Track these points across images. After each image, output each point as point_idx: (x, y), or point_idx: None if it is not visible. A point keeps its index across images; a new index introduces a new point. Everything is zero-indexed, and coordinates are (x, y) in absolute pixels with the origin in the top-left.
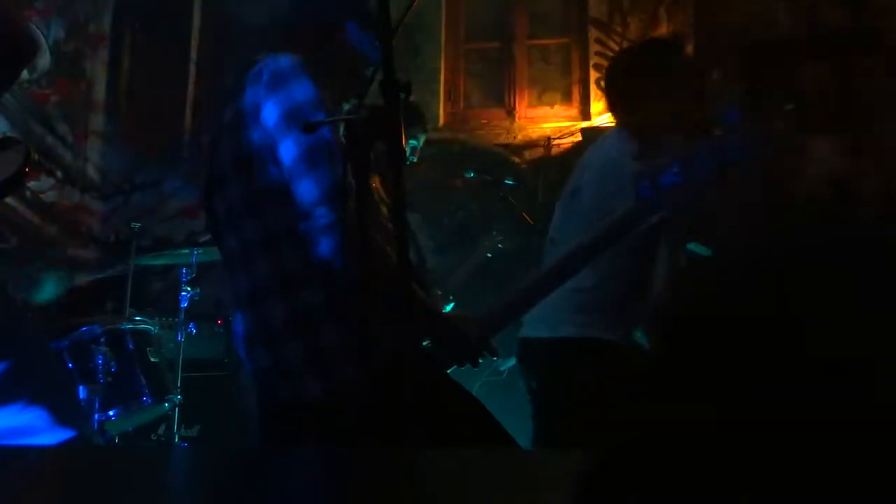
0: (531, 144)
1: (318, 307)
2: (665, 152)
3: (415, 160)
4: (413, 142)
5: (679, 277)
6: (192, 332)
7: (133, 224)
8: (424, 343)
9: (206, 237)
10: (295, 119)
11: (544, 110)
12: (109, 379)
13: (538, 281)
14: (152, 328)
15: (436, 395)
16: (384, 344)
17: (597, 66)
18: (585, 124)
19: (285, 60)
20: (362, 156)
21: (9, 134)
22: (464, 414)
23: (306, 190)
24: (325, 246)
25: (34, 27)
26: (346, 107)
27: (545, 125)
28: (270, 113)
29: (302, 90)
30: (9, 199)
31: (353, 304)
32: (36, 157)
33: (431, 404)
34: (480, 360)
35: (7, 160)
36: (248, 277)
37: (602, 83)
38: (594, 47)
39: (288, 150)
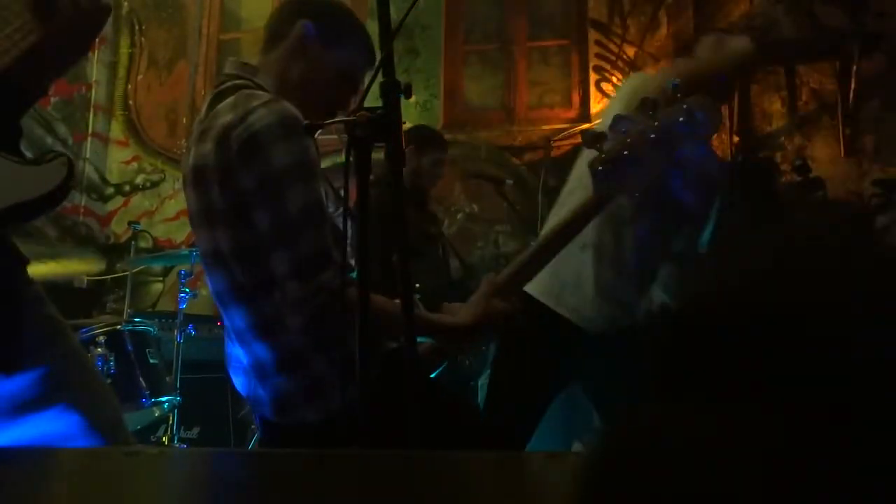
0: (531, 146)
1: (301, 347)
2: (613, 137)
3: (440, 175)
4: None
5: (688, 274)
6: (191, 333)
7: (133, 225)
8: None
9: None
10: (271, 190)
11: (544, 112)
12: (108, 380)
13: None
14: (152, 329)
15: (429, 401)
16: (373, 364)
17: (596, 68)
18: (585, 126)
19: (259, 123)
20: (362, 157)
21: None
22: (456, 418)
23: (278, 263)
24: (293, 322)
25: None
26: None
27: (545, 127)
28: (244, 180)
29: (280, 157)
30: None
31: (343, 334)
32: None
33: (425, 409)
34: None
35: (48, 174)
36: (228, 318)
37: (601, 85)
38: (594, 49)
39: (263, 221)
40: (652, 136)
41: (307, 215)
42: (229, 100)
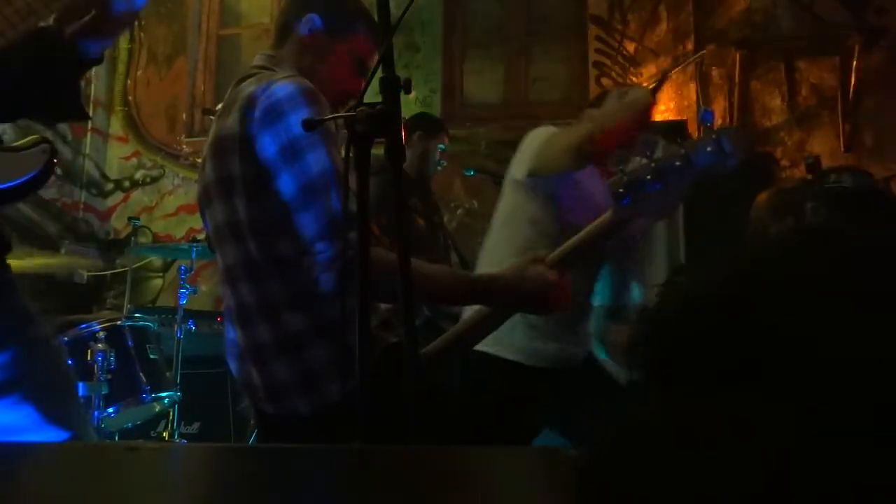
0: None
1: (302, 330)
2: (639, 159)
3: (444, 163)
4: (441, 146)
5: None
6: (191, 328)
7: (133, 221)
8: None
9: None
10: (293, 153)
11: (544, 107)
12: (109, 376)
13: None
14: (152, 325)
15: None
16: (372, 358)
17: (596, 64)
18: None
19: (281, 90)
20: (362, 153)
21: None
22: (453, 413)
23: (306, 225)
24: (325, 280)
25: None
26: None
27: (544, 122)
28: (267, 147)
29: (300, 122)
30: None
31: (343, 323)
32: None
33: (424, 406)
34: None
35: (30, 160)
36: (234, 297)
37: (601, 80)
38: (594, 45)
39: (287, 185)
40: (677, 163)
41: (329, 177)
42: (253, 78)
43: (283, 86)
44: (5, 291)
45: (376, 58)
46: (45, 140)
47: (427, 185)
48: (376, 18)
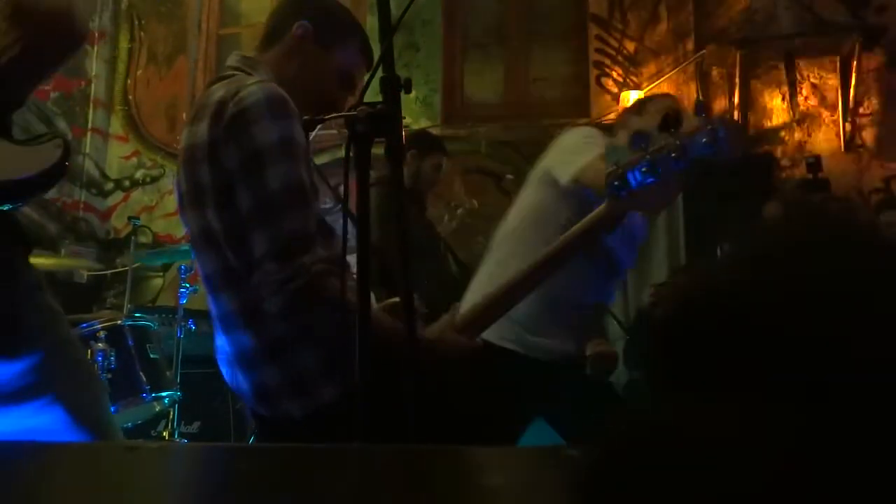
0: (531, 141)
1: (287, 334)
2: (635, 151)
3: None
4: (438, 165)
5: (680, 279)
6: (191, 328)
7: (133, 221)
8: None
9: None
10: (253, 166)
11: (544, 106)
12: (109, 375)
13: (518, 281)
14: (152, 324)
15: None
16: (366, 361)
17: (596, 63)
18: (585, 121)
19: (250, 98)
20: (362, 153)
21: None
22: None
23: (257, 243)
24: (273, 303)
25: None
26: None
27: (545, 121)
28: (230, 157)
29: (263, 134)
30: None
31: (343, 325)
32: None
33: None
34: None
35: (42, 154)
36: (217, 305)
37: (601, 79)
38: (594, 44)
39: (245, 198)
40: (673, 154)
41: (288, 194)
42: (224, 81)
43: (252, 92)
44: (33, 292)
45: (363, 75)
46: (57, 134)
47: (423, 198)
48: (376, 17)
